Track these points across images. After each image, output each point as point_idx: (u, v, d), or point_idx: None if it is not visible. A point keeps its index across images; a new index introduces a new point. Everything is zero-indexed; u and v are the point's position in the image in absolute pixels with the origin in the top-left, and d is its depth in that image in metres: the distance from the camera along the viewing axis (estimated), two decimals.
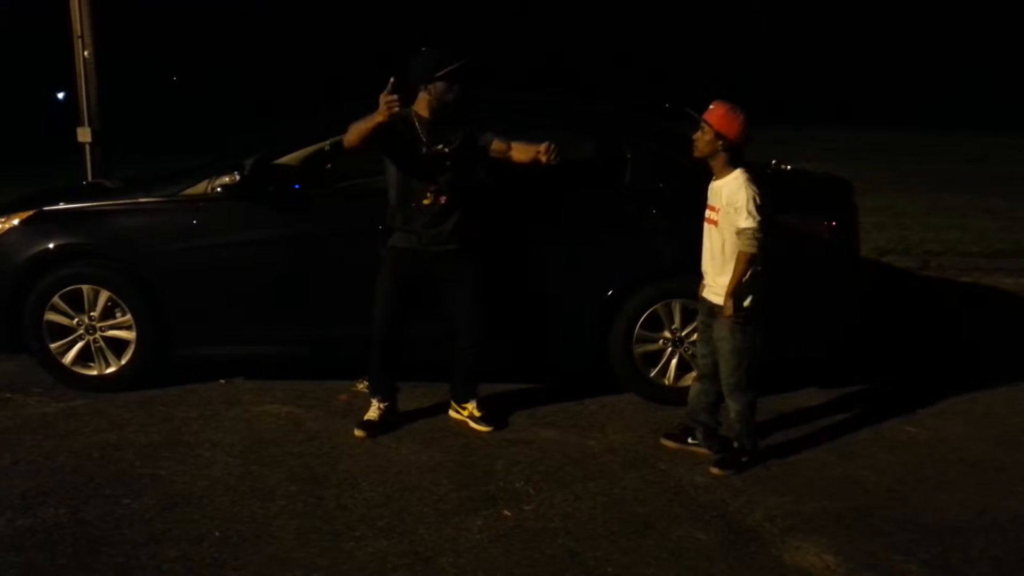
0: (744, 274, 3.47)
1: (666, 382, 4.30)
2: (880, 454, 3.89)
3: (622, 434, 4.05)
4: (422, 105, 3.79)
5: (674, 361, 4.28)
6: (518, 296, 4.33)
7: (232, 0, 38.43)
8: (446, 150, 3.78)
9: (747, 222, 3.42)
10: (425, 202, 3.78)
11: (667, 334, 4.28)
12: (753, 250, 3.44)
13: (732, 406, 3.66)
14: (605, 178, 4.61)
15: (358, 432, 3.96)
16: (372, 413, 4.05)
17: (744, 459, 3.71)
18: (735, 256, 3.47)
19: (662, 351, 4.32)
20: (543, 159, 3.71)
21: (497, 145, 3.85)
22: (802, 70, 35.53)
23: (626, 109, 5.80)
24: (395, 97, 3.44)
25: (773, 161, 4.95)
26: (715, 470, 3.66)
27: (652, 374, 4.34)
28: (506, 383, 4.58)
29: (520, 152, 3.82)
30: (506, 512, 3.31)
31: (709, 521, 3.28)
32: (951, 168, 15.05)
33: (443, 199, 3.78)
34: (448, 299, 3.98)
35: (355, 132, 3.64)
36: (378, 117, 3.50)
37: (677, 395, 4.12)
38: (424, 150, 3.77)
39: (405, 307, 3.94)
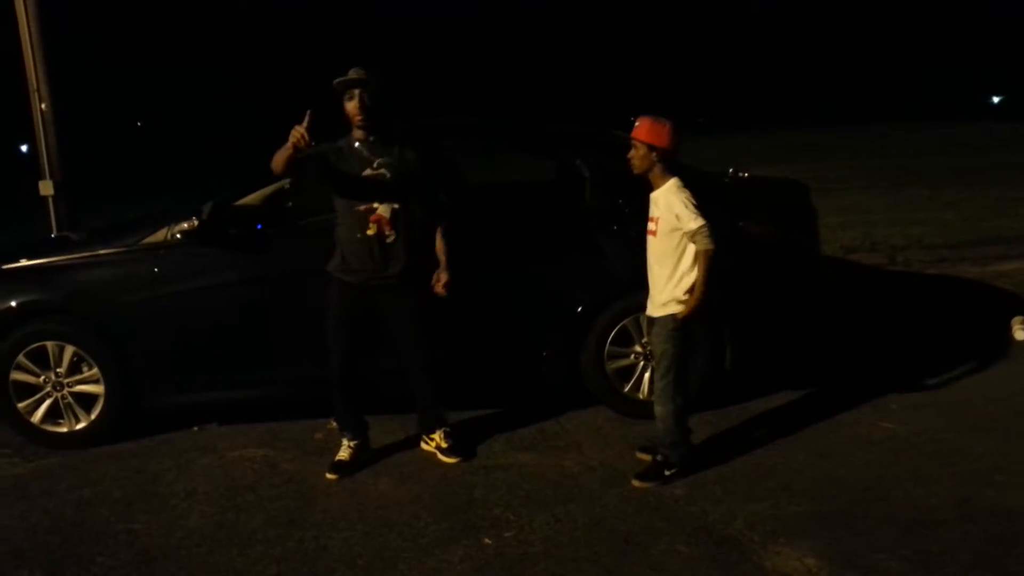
0: (709, 271, 3.50)
1: (640, 396, 4.31)
2: (857, 452, 3.92)
3: (600, 452, 4.05)
4: (354, 131, 3.80)
5: (647, 375, 4.29)
6: (487, 320, 4.33)
7: (195, 43, 38.63)
8: (384, 172, 3.75)
9: (696, 221, 3.47)
10: (369, 232, 3.75)
11: (638, 348, 4.29)
12: (711, 246, 3.48)
13: (658, 411, 3.68)
14: (565, 197, 4.66)
15: (330, 475, 3.91)
16: (343, 453, 4.01)
17: (668, 472, 3.69)
18: (674, 263, 3.55)
19: (634, 365, 4.33)
20: (436, 287, 3.89)
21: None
22: (761, 72, 36.18)
23: (580, 126, 5.84)
24: (303, 130, 3.46)
25: (731, 169, 5.00)
26: (636, 482, 3.67)
27: (626, 389, 4.35)
28: (480, 409, 4.58)
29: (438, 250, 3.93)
30: (487, 540, 3.29)
31: (690, 533, 3.27)
32: (910, 162, 15.32)
33: (387, 228, 3.76)
34: (393, 332, 3.93)
35: (276, 160, 3.64)
36: (287, 149, 3.53)
37: (652, 409, 4.12)
38: (362, 174, 3.76)
39: (357, 341, 3.90)
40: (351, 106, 3.71)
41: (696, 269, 3.53)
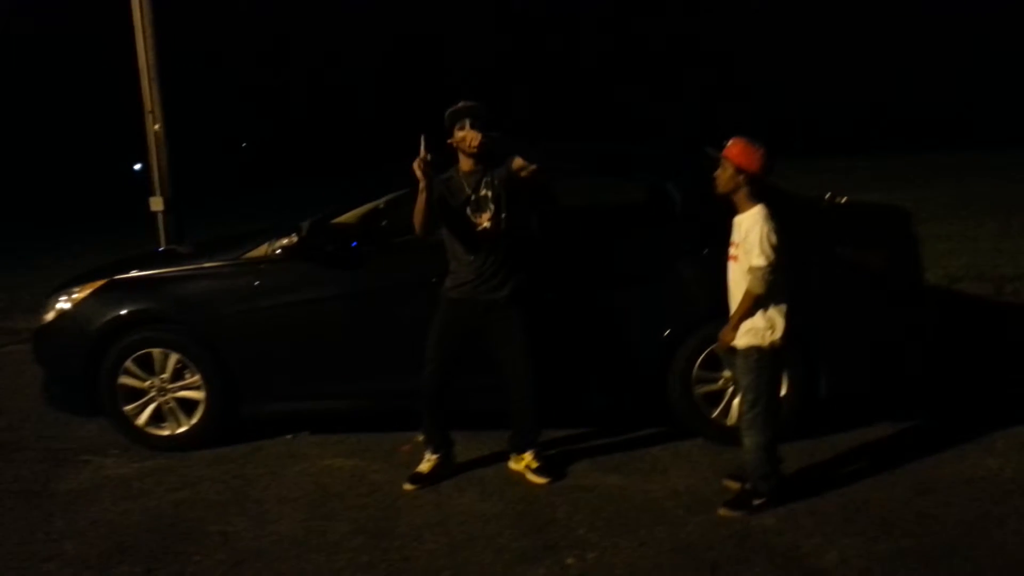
0: (748, 313, 3.47)
1: (728, 422, 4.21)
2: (960, 489, 3.74)
3: (686, 477, 3.98)
4: (460, 160, 3.93)
5: (736, 400, 4.20)
6: (576, 340, 4.34)
7: (300, 66, 40.20)
8: (488, 194, 3.86)
9: (758, 260, 3.41)
10: (479, 251, 3.86)
11: (727, 373, 4.21)
12: (760, 291, 3.42)
13: (746, 443, 3.60)
14: (656, 219, 4.63)
15: (407, 486, 3.98)
16: (424, 465, 4.07)
17: (757, 502, 3.60)
18: None
19: (723, 391, 4.25)
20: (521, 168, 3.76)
21: (517, 162, 3.81)
22: (862, 97, 35.04)
23: (674, 148, 5.81)
24: (423, 157, 3.63)
25: (828, 194, 4.87)
26: (723, 511, 3.59)
27: (714, 415, 4.28)
28: (567, 428, 4.56)
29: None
30: (569, 560, 3.28)
31: (780, 565, 3.18)
32: (1020, 189, 14.54)
33: (494, 246, 3.85)
34: (497, 351, 3.99)
35: (417, 218, 3.81)
36: (421, 187, 3.71)
37: (741, 436, 4.03)
38: (470, 199, 3.87)
39: (455, 356, 3.98)
40: (464, 136, 3.81)
41: (777, 301, 3.47)
